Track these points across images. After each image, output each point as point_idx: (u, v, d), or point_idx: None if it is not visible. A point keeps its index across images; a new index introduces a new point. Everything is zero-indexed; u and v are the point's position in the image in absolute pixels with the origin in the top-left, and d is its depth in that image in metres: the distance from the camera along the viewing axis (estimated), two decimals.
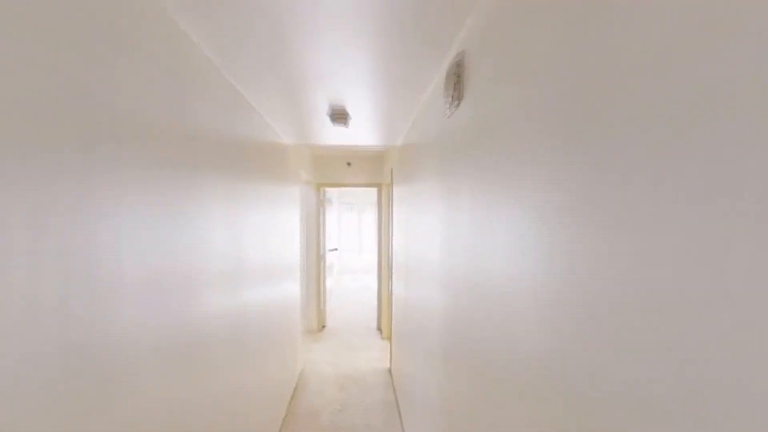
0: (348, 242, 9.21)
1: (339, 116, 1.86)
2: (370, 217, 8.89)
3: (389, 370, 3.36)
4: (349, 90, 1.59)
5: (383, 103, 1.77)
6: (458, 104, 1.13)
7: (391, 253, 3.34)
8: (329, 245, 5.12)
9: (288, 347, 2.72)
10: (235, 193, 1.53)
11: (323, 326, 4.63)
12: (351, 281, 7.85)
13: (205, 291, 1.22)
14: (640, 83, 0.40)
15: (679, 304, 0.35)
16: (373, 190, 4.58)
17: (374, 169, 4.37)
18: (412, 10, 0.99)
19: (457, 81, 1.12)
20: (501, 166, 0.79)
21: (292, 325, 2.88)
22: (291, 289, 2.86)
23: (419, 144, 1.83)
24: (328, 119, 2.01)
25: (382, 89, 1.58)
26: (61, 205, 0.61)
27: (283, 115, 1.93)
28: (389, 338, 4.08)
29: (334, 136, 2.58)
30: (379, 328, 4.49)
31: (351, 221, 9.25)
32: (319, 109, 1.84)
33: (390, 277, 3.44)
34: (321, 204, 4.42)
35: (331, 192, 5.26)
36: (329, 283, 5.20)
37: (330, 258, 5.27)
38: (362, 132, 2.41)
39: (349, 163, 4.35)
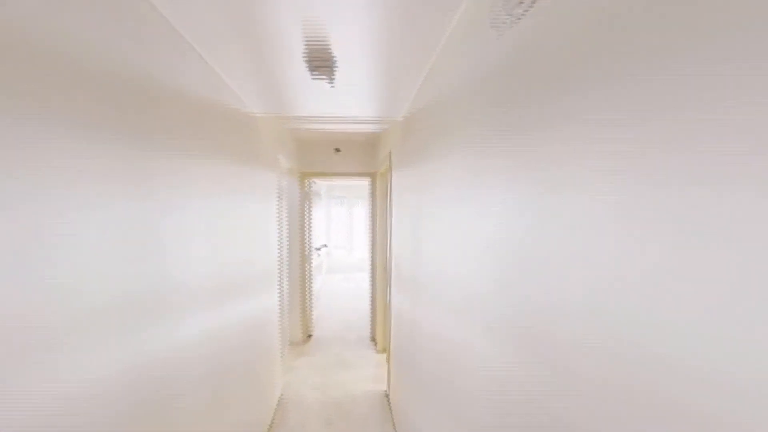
0: (338, 239, 8.59)
1: (321, 63, 1.26)
2: (362, 212, 8.28)
3: (386, 395, 2.80)
4: (334, 11, 0.99)
5: (385, 41, 1.17)
6: None
7: (389, 255, 2.76)
8: (317, 243, 4.51)
9: (262, 374, 2.13)
10: (154, 176, 0.93)
11: (309, 336, 4.05)
12: (342, 281, 7.24)
13: (71, 349, 0.62)
14: None
15: None
16: (365, 182, 3.98)
17: (366, 157, 3.78)
18: None
19: None
20: None
21: (267, 345, 2.29)
22: (266, 302, 2.26)
23: (442, 102, 1.24)
24: (305, 71, 1.41)
25: (387, 10, 0.98)
26: None
27: (236, 54, 1.30)
28: (385, 351, 3.53)
29: (317, 104, 1.97)
30: (373, 338, 3.93)
31: (341, 216, 8.62)
32: (292, 49, 1.23)
33: (389, 284, 2.87)
34: (306, 197, 3.81)
35: (319, 185, 4.64)
36: (317, 284, 4.60)
37: (318, 257, 4.66)
38: (354, 95, 1.81)
39: (337, 150, 3.74)
